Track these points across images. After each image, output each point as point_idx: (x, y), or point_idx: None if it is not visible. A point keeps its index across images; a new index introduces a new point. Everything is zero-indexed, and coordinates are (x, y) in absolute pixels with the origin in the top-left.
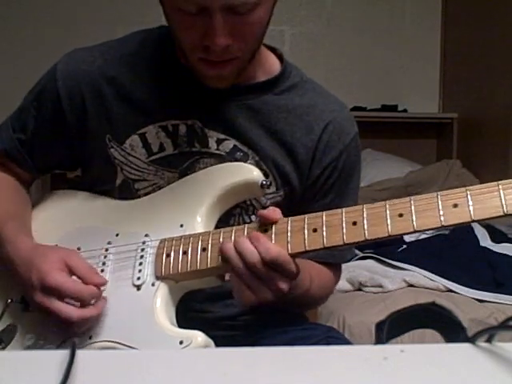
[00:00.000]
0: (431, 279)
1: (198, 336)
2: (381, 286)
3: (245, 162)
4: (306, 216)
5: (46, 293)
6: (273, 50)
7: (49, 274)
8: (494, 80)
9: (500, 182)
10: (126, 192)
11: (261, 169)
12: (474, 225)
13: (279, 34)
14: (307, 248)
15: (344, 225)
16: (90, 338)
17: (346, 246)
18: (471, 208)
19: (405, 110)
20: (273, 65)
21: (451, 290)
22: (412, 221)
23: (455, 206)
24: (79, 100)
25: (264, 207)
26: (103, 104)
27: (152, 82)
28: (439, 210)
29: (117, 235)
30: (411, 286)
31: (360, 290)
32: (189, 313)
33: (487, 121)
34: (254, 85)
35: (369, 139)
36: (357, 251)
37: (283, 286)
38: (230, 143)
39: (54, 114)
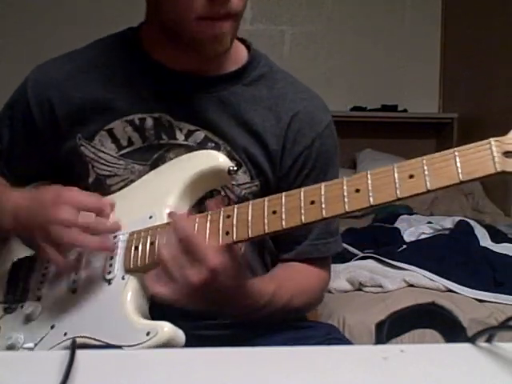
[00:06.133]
0: (431, 279)
1: (165, 326)
2: (381, 286)
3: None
4: (266, 198)
5: (61, 206)
6: (242, 41)
7: (64, 190)
8: (494, 80)
9: (457, 148)
10: (100, 189)
11: (233, 159)
12: (474, 225)
13: (279, 33)
14: (266, 231)
15: (303, 205)
16: (65, 334)
17: (305, 226)
18: (427, 178)
19: (405, 110)
20: (241, 54)
21: (451, 290)
22: (368, 196)
23: (411, 176)
24: (48, 106)
25: (240, 197)
26: (71, 106)
27: (119, 80)
28: (395, 183)
29: None
30: (411, 285)
31: (360, 289)
32: (177, 312)
33: (487, 121)
34: (223, 76)
35: (369, 139)
36: (357, 251)
37: (192, 274)
38: (201, 134)
39: (26, 123)
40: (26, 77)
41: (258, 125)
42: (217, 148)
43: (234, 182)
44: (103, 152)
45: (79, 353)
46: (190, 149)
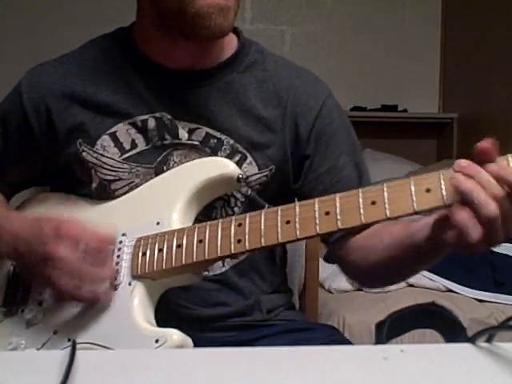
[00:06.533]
0: (431, 279)
1: (174, 334)
2: None
3: (219, 148)
4: (280, 207)
5: (60, 241)
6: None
7: (63, 223)
8: (494, 80)
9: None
10: (104, 194)
11: (237, 151)
12: None
13: (279, 33)
14: (280, 240)
15: (317, 215)
16: (69, 340)
17: (318, 236)
18: (444, 192)
19: (405, 110)
20: (231, 42)
21: (451, 290)
22: (385, 208)
23: (428, 190)
24: (45, 112)
25: (246, 196)
26: (69, 112)
27: (116, 83)
28: (412, 196)
29: None
30: (411, 286)
31: (360, 290)
32: (181, 315)
33: (487, 121)
34: (218, 65)
35: (369, 139)
36: None
37: None
38: (202, 131)
39: (22, 128)
40: (19, 82)
41: (260, 109)
42: (219, 144)
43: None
44: (106, 157)
45: (79, 353)
46: (194, 148)
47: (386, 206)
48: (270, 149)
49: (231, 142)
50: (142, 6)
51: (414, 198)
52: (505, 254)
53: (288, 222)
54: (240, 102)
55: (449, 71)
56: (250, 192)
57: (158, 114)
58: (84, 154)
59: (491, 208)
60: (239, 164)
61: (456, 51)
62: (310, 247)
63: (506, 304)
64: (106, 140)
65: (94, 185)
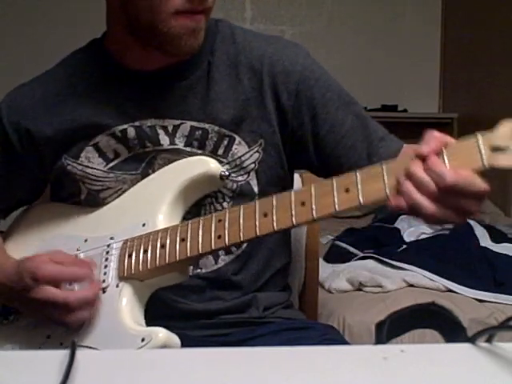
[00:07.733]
0: (431, 279)
1: (159, 333)
2: (381, 286)
3: (206, 137)
4: (258, 201)
5: (41, 285)
6: None
7: (38, 268)
8: (493, 80)
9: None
10: (93, 204)
11: (225, 135)
12: (473, 224)
13: (279, 33)
14: (258, 233)
15: (293, 206)
16: (61, 344)
17: (295, 227)
18: None
19: (405, 110)
20: None
21: (451, 290)
22: (358, 194)
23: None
24: (26, 135)
25: (233, 191)
26: (51, 132)
27: (94, 97)
28: (384, 182)
29: (85, 241)
30: (411, 285)
31: (360, 290)
32: (175, 310)
33: (487, 121)
34: (193, 57)
35: None
36: (357, 251)
37: (472, 207)
38: (187, 126)
39: (6, 151)
40: None
41: (237, 87)
42: (205, 134)
43: (235, 157)
44: (91, 168)
45: (79, 353)
46: (176, 152)
47: (359, 192)
48: (254, 123)
49: (216, 128)
50: (112, 12)
51: (387, 181)
52: (505, 254)
53: (265, 215)
54: (219, 87)
55: (449, 71)
56: (235, 186)
57: (137, 123)
58: (69, 167)
59: (427, 207)
60: (229, 147)
61: (456, 51)
62: (310, 247)
63: (506, 304)
64: (89, 151)
65: (82, 196)
